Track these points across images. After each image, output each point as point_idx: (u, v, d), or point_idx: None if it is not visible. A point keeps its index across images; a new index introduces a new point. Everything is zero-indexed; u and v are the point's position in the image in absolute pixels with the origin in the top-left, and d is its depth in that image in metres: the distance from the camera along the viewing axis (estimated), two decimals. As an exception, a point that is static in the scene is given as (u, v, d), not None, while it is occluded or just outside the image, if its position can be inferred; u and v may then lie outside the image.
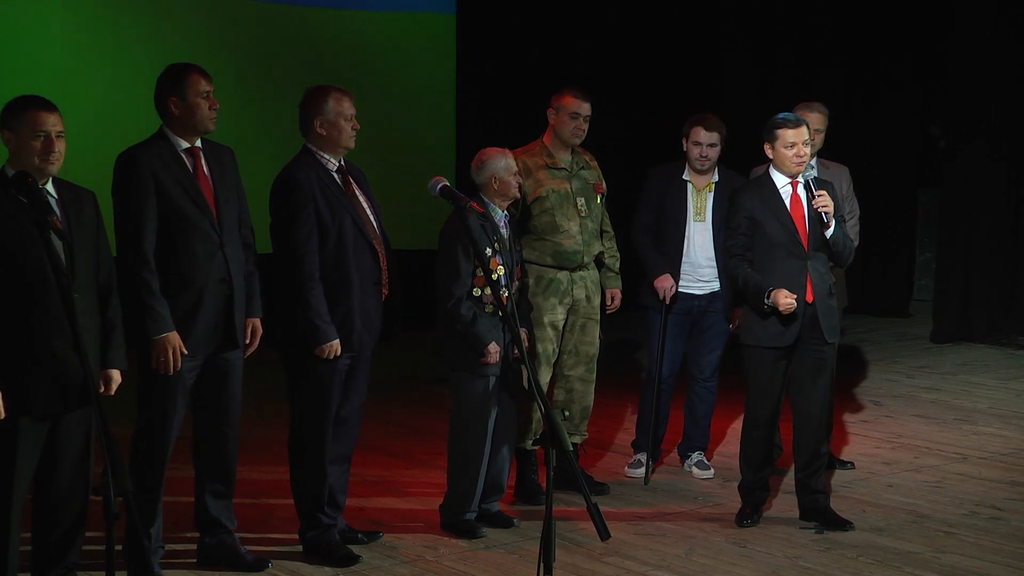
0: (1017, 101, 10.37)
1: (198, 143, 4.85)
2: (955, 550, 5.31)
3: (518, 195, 5.57)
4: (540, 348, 5.87)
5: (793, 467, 5.77)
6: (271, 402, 6.93)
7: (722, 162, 6.45)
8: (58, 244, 4.22)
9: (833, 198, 5.48)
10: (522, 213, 5.88)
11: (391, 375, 8.31)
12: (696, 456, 6.53)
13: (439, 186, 5.00)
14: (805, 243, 5.47)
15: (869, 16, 11.62)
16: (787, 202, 5.51)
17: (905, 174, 11.91)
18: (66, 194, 4.40)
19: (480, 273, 5.34)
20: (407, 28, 10.77)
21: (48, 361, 4.28)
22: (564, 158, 6.03)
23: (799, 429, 5.63)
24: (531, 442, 5.96)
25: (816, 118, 6.22)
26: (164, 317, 4.66)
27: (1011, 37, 10.34)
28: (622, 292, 6.31)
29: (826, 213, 5.42)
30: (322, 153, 5.11)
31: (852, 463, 6.67)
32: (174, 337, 4.68)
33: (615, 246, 6.29)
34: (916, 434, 7.44)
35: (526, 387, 5.47)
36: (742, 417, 5.76)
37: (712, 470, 6.46)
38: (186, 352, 4.72)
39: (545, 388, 5.92)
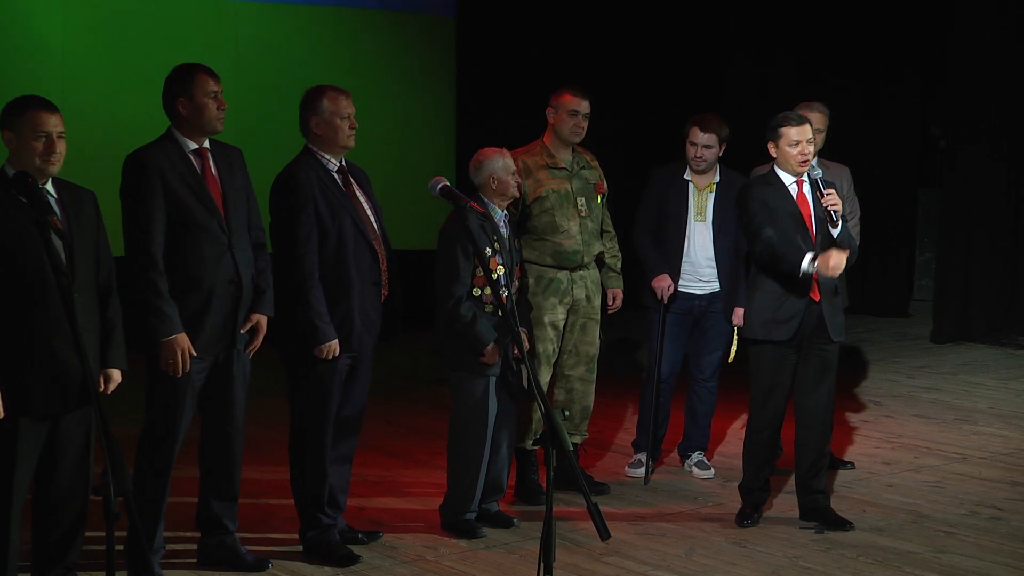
0: (1017, 101, 10.37)
1: (206, 144, 4.85)
2: (955, 550, 5.31)
3: (517, 195, 5.57)
4: (540, 348, 5.87)
5: (794, 467, 5.77)
6: (271, 402, 6.93)
7: (723, 162, 6.45)
8: (58, 244, 4.22)
9: (839, 198, 5.48)
10: (522, 213, 5.88)
11: (392, 375, 8.32)
12: (696, 456, 6.53)
13: (439, 186, 5.00)
14: (813, 242, 5.46)
15: (869, 16, 11.62)
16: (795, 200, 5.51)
17: (905, 174, 11.91)
18: (66, 194, 4.40)
19: (480, 273, 5.34)
20: (408, 30, 10.80)
21: (48, 361, 4.28)
22: (564, 158, 6.03)
23: (803, 429, 5.62)
24: (531, 442, 5.96)
25: (817, 118, 6.22)
26: (172, 319, 4.65)
27: (1011, 37, 10.35)
28: (623, 292, 6.31)
29: (835, 212, 5.42)
30: (322, 153, 5.11)
31: (852, 463, 6.68)
32: (183, 339, 4.67)
33: (616, 246, 6.29)
34: (916, 434, 7.44)
35: (526, 387, 5.48)
36: (743, 417, 5.76)
37: (712, 470, 6.46)
38: (195, 354, 4.72)
39: (545, 388, 5.92)
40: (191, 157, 4.79)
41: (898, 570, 5.08)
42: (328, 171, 5.10)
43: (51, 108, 4.34)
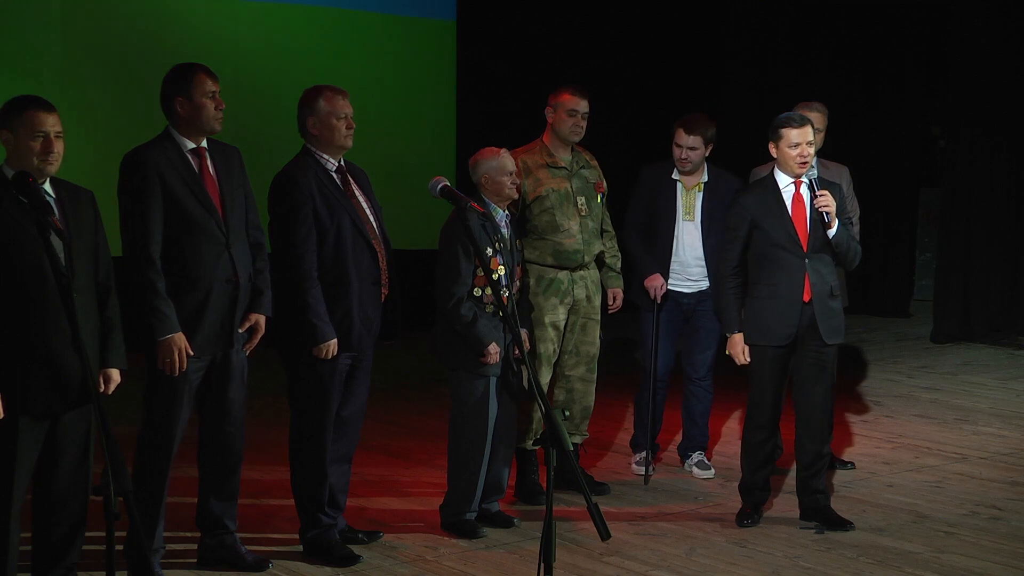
0: (1018, 100, 10.37)
1: (204, 143, 4.85)
2: (955, 550, 5.31)
3: (514, 195, 5.56)
4: (541, 348, 5.87)
5: (794, 467, 5.77)
6: (271, 402, 6.94)
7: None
8: (57, 244, 4.21)
9: (838, 199, 5.48)
10: (522, 212, 5.88)
11: (392, 375, 8.32)
12: (696, 456, 6.53)
13: (439, 186, 5.00)
14: (804, 244, 5.47)
15: (869, 16, 11.62)
16: (789, 202, 5.51)
17: (905, 174, 11.91)
18: (64, 194, 4.40)
19: (480, 273, 5.34)
20: (408, 33, 10.81)
21: (47, 361, 4.27)
22: (564, 157, 6.03)
23: (801, 430, 5.63)
24: (531, 442, 5.95)
25: (816, 118, 6.22)
26: (170, 318, 4.65)
27: (1012, 36, 10.35)
28: (624, 291, 6.32)
29: (827, 213, 5.42)
30: (320, 153, 5.11)
31: (852, 463, 6.68)
32: (180, 338, 4.67)
33: (616, 245, 6.29)
34: (916, 434, 7.44)
35: (526, 387, 5.48)
36: (742, 417, 5.76)
37: (712, 470, 6.46)
38: (192, 353, 4.72)
39: (545, 388, 5.92)
40: (189, 156, 4.79)
41: (898, 570, 5.08)
42: (327, 171, 5.09)
43: (49, 108, 4.33)
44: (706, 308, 6.39)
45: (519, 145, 6.02)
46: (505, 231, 5.45)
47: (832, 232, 5.47)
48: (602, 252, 6.17)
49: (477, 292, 5.37)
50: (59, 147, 4.32)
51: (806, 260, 5.47)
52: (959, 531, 5.56)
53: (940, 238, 10.95)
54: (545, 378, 5.95)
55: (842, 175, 6.46)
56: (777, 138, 5.50)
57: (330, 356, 4.99)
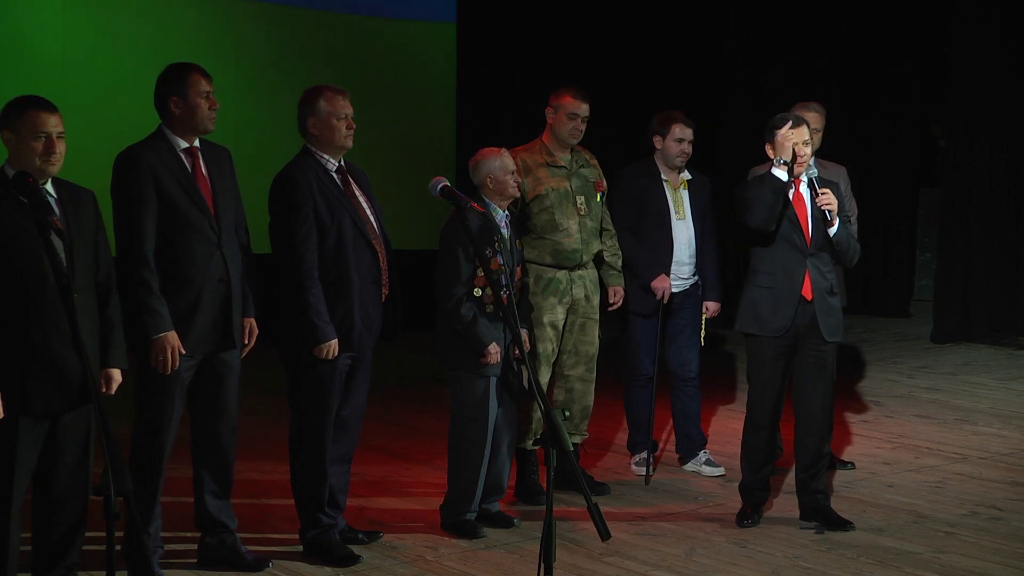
0: (1018, 100, 10.38)
1: (196, 143, 4.86)
2: (955, 550, 5.31)
3: (516, 194, 5.57)
4: (540, 348, 5.87)
5: (794, 467, 5.77)
6: (271, 402, 6.94)
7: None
8: (58, 244, 4.22)
9: (837, 198, 5.49)
10: (521, 211, 5.88)
11: (392, 375, 8.32)
12: (703, 455, 6.53)
13: (440, 186, 5.00)
14: (808, 240, 5.47)
15: (869, 16, 11.62)
16: (789, 201, 5.52)
17: (906, 174, 11.92)
18: (65, 194, 4.40)
19: (480, 273, 5.34)
20: (409, 34, 10.83)
21: (47, 361, 4.27)
22: (564, 156, 6.03)
23: (801, 429, 5.63)
24: (531, 442, 5.95)
25: (814, 118, 6.23)
26: (163, 316, 4.66)
27: (1012, 36, 10.35)
28: (624, 290, 6.32)
29: (829, 211, 5.43)
30: (320, 153, 5.11)
31: (853, 463, 6.68)
32: (172, 337, 4.68)
33: (616, 244, 6.29)
34: (916, 434, 7.44)
35: (526, 387, 5.48)
36: (737, 416, 5.76)
37: (721, 467, 6.44)
38: (184, 352, 4.72)
39: (545, 388, 5.92)
40: (182, 156, 4.80)
41: (898, 570, 5.08)
42: (327, 171, 5.10)
43: (51, 108, 4.34)
44: (689, 305, 6.42)
45: (518, 146, 6.03)
46: (505, 231, 5.45)
47: (833, 230, 5.47)
48: (602, 251, 6.18)
49: (477, 292, 5.37)
50: (61, 147, 4.32)
51: (808, 257, 5.48)
52: (959, 531, 5.56)
53: (940, 238, 10.95)
54: (544, 378, 5.95)
55: (840, 175, 6.46)
56: (773, 138, 5.51)
57: (331, 356, 4.99)
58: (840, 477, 6.43)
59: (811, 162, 5.58)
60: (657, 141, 6.39)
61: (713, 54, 12.41)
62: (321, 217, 4.99)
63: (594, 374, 6.12)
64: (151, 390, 4.76)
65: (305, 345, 4.98)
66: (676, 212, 6.37)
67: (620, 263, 6.29)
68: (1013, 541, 5.44)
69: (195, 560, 5.05)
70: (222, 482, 5.00)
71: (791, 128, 5.47)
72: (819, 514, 5.61)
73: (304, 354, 5.01)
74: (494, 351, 5.34)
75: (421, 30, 10.91)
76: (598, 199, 6.11)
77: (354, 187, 5.16)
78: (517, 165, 5.64)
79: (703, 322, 6.45)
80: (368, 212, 5.15)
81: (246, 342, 4.98)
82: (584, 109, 5.98)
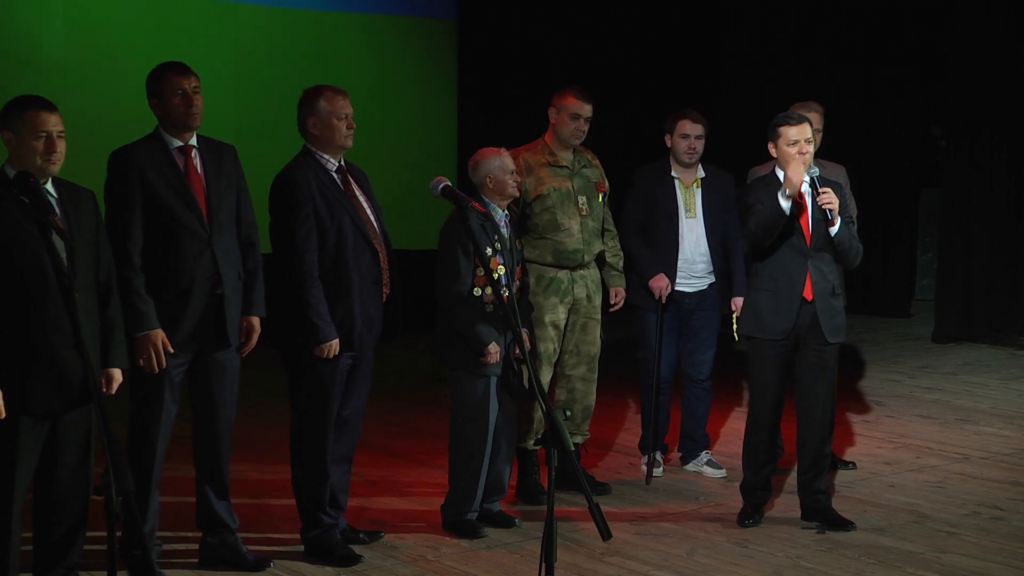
0: (1019, 101, 10.37)
1: (193, 140, 4.86)
2: (957, 550, 5.31)
3: (516, 194, 5.56)
4: (541, 347, 5.86)
5: (796, 467, 5.77)
6: (272, 402, 6.94)
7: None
8: (59, 244, 4.22)
9: (839, 198, 5.48)
10: (523, 211, 5.88)
11: (393, 375, 8.32)
12: (705, 456, 6.53)
13: (440, 186, 4.99)
14: (808, 240, 5.47)
15: (870, 16, 11.62)
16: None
17: (906, 174, 11.91)
18: (65, 194, 4.40)
19: (481, 272, 5.34)
20: (409, 32, 10.82)
21: (48, 361, 4.27)
22: (566, 156, 6.03)
23: (803, 429, 5.63)
24: (532, 442, 5.95)
25: (814, 118, 6.19)
26: (146, 314, 4.66)
27: (1012, 36, 10.35)
28: (625, 290, 6.31)
29: (830, 210, 5.42)
30: (321, 153, 5.11)
31: (854, 463, 6.67)
32: (157, 335, 4.67)
33: (618, 244, 6.29)
34: (918, 434, 7.44)
35: (527, 387, 5.47)
36: (743, 417, 5.76)
37: (723, 469, 6.44)
38: (172, 350, 4.72)
39: (546, 388, 5.92)
40: (174, 154, 4.80)
41: (899, 570, 5.08)
42: (327, 171, 5.09)
43: (51, 108, 4.34)
44: (706, 307, 6.39)
45: (520, 145, 6.02)
46: (505, 230, 5.45)
47: (835, 230, 5.47)
48: (603, 251, 6.17)
49: (477, 292, 5.37)
50: (61, 147, 4.32)
51: (808, 258, 5.47)
52: (960, 531, 5.56)
53: (940, 238, 10.94)
54: (546, 378, 5.94)
55: (839, 175, 6.45)
56: (776, 137, 5.50)
57: (331, 356, 4.99)
58: (841, 477, 6.42)
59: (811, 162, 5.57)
60: (668, 140, 6.39)
61: (713, 55, 12.41)
62: (321, 217, 4.99)
63: (596, 374, 6.12)
64: (140, 389, 4.77)
65: (306, 345, 4.98)
66: (687, 211, 6.36)
67: (622, 263, 6.29)
68: (1014, 541, 5.44)
69: (196, 560, 5.05)
70: (218, 482, 5.00)
71: (794, 125, 5.44)
72: (820, 514, 5.60)
73: (305, 354, 5.01)
74: (494, 351, 5.34)
75: (422, 28, 10.90)
76: (599, 199, 6.11)
77: (354, 187, 5.16)
78: (519, 165, 5.63)
79: (733, 319, 6.32)
80: (368, 212, 5.15)
81: (242, 340, 4.96)
82: (587, 110, 5.98)
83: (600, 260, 6.17)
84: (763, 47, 12.21)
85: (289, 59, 10.05)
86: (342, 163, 5.16)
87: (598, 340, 6.10)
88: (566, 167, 6.01)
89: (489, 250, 5.30)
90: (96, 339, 4.40)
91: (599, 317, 6.10)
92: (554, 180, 5.95)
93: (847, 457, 6.78)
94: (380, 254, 5.11)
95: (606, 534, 3.74)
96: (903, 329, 11.22)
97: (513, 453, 5.72)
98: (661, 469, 6.46)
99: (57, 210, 4.31)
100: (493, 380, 5.43)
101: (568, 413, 5.98)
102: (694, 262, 6.35)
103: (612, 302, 6.26)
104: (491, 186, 5.43)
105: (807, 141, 5.47)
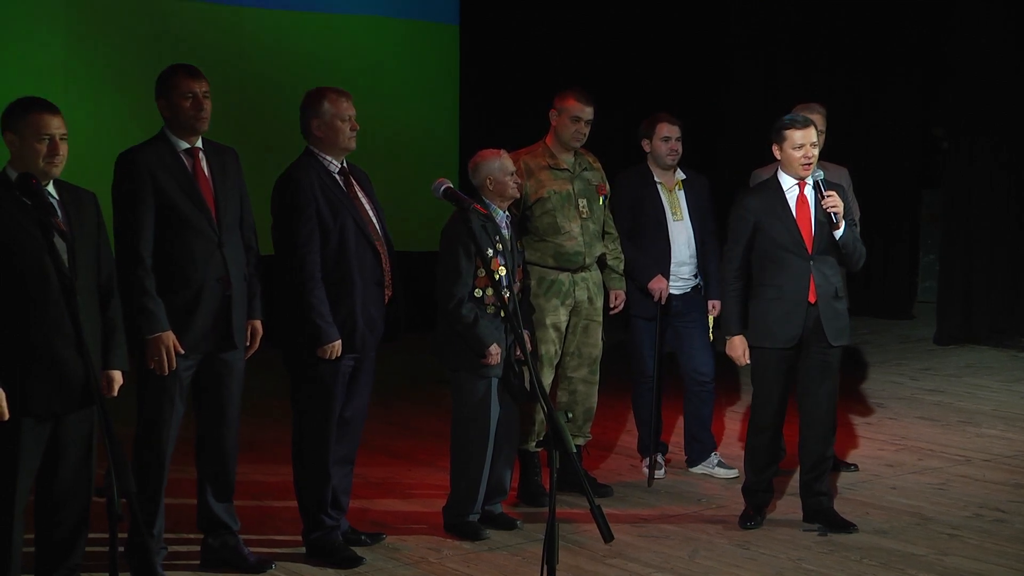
0: (1019, 101, 10.36)
1: (199, 143, 4.86)
2: (959, 552, 5.31)
3: (517, 195, 5.57)
4: (543, 349, 5.86)
5: (797, 469, 5.77)
6: (274, 403, 6.93)
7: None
8: (61, 245, 4.22)
9: (843, 200, 5.48)
10: (523, 214, 5.88)
11: (394, 376, 8.32)
12: (715, 457, 6.52)
13: (442, 188, 4.99)
14: (809, 245, 5.47)
15: (872, 16, 11.61)
16: (793, 204, 5.50)
17: (908, 175, 11.90)
18: (67, 195, 4.40)
19: (482, 274, 5.34)
20: (412, 36, 10.83)
21: (50, 362, 4.28)
22: (567, 159, 6.03)
23: (806, 432, 5.62)
24: (534, 444, 5.95)
25: (816, 119, 6.20)
26: (157, 316, 4.67)
27: (1013, 37, 10.34)
28: (626, 293, 6.31)
29: (835, 214, 5.42)
30: (323, 155, 5.11)
31: (856, 465, 6.67)
32: (168, 336, 4.68)
33: (618, 247, 6.28)
34: (920, 436, 7.43)
35: (529, 389, 5.48)
36: (745, 418, 5.76)
37: (735, 469, 6.41)
38: (182, 352, 4.72)
39: (548, 389, 5.91)
40: (182, 156, 4.81)
41: (901, 572, 5.08)
42: (329, 172, 5.10)
43: (53, 110, 4.34)
44: (695, 307, 6.40)
45: (521, 148, 6.02)
46: (506, 232, 5.45)
47: (839, 233, 5.46)
48: (604, 254, 6.17)
49: (478, 293, 5.37)
50: (64, 149, 4.33)
51: (811, 262, 5.47)
52: (963, 533, 5.56)
53: (942, 240, 10.93)
54: (547, 379, 5.94)
55: (841, 176, 6.45)
56: (781, 140, 5.49)
57: (334, 357, 4.99)
58: (843, 479, 6.42)
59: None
60: (646, 145, 6.40)
61: (715, 56, 12.41)
62: (323, 218, 4.99)
63: (597, 376, 6.12)
64: (149, 391, 4.76)
65: (307, 346, 4.98)
66: (673, 214, 6.37)
67: (622, 267, 6.29)
68: (1016, 543, 5.43)
69: (198, 562, 5.05)
70: (223, 484, 5.00)
71: (799, 128, 5.44)
72: (822, 516, 5.60)
73: (307, 355, 5.01)
74: (495, 352, 5.34)
75: (424, 32, 10.92)
76: (600, 202, 6.11)
77: (356, 188, 5.16)
78: (519, 167, 5.64)
79: (710, 320, 6.42)
80: (370, 213, 5.16)
81: (248, 343, 4.98)
82: (588, 112, 5.98)
83: (601, 263, 6.17)
84: (765, 48, 12.21)
85: (292, 62, 10.06)
86: (344, 164, 5.17)
87: (600, 342, 6.10)
88: (567, 170, 6.01)
89: (490, 251, 5.30)
90: (97, 341, 4.40)
91: (600, 319, 6.10)
92: (554, 183, 5.95)
93: (849, 459, 6.77)
94: (382, 255, 5.11)
95: (608, 536, 3.74)
96: (905, 331, 11.21)
97: (515, 455, 5.72)
98: (663, 471, 6.47)
99: (59, 212, 4.32)
100: (494, 381, 5.43)
101: (570, 415, 6.01)
102: (683, 264, 6.38)
103: (612, 305, 6.26)
104: (491, 187, 5.43)
105: (812, 144, 5.47)
